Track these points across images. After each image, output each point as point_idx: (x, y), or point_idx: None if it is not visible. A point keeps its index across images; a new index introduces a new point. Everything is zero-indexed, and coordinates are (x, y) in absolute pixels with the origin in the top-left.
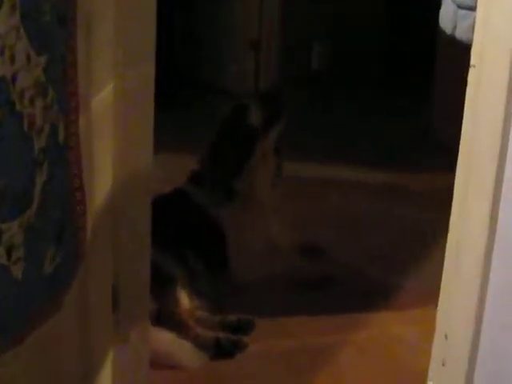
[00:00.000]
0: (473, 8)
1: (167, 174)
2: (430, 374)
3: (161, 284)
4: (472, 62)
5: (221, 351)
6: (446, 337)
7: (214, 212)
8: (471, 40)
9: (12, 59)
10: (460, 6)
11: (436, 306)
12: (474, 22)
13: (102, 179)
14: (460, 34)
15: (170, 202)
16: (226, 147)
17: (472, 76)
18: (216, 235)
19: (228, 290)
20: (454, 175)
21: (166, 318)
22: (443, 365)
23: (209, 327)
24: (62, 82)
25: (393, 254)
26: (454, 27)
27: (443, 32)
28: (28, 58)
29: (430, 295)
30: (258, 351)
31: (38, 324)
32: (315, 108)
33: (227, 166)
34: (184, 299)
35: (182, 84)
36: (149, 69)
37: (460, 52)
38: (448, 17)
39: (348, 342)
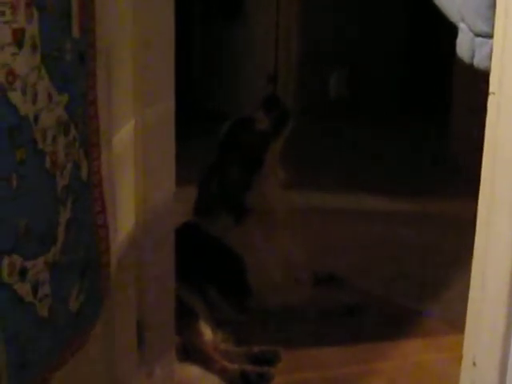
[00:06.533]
0: (490, 35)
1: (189, 207)
2: None
3: (182, 318)
4: (491, 89)
5: None
6: (474, 363)
7: (227, 239)
8: (489, 68)
9: (34, 98)
10: (477, 34)
11: (463, 332)
12: (491, 50)
13: (125, 215)
14: (478, 62)
15: (182, 235)
16: (233, 162)
17: (491, 103)
18: (233, 263)
19: (250, 320)
20: (475, 200)
21: (190, 352)
22: None
23: (234, 360)
24: (84, 120)
25: (416, 280)
26: (472, 55)
27: (461, 60)
28: (49, 97)
29: (457, 322)
30: (285, 383)
31: (63, 361)
32: (333, 136)
33: (236, 182)
34: (207, 332)
35: (200, 116)
36: (168, 104)
37: (476, 79)
38: (465, 45)
39: (375, 371)
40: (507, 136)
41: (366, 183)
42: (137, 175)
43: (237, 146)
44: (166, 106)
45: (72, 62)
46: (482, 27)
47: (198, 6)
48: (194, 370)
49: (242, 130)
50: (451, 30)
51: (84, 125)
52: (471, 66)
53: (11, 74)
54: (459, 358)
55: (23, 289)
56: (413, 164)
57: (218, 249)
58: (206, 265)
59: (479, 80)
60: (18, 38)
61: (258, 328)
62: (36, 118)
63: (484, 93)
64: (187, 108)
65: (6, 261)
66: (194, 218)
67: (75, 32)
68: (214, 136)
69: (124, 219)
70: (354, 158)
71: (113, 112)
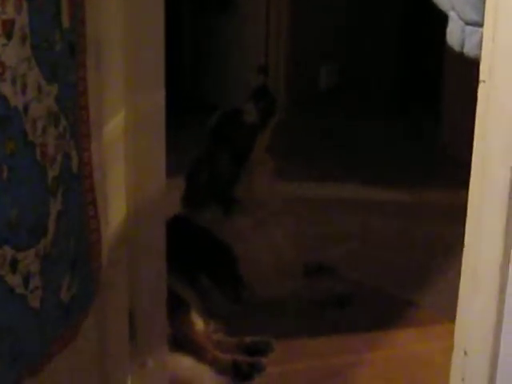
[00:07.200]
0: (480, 24)
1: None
2: None
3: (174, 309)
4: (481, 77)
5: (239, 374)
6: (465, 353)
7: (217, 230)
8: (479, 56)
9: (24, 89)
10: (467, 23)
11: (454, 321)
12: (481, 38)
13: (115, 206)
14: (468, 51)
15: (172, 227)
16: (222, 154)
17: (482, 91)
18: (224, 254)
19: (242, 310)
20: (466, 190)
21: (182, 342)
22: (463, 380)
23: (226, 350)
24: (74, 111)
25: (407, 270)
26: (462, 44)
27: (451, 48)
28: (39, 88)
29: (448, 311)
30: (277, 373)
31: (55, 352)
32: (324, 128)
33: (224, 174)
34: (199, 323)
35: (190, 108)
36: (159, 95)
37: (467, 67)
38: (455, 33)
39: (366, 361)
40: (497, 124)
41: (358, 175)
42: (127, 166)
43: (225, 138)
44: (157, 96)
45: (62, 52)
46: (472, 16)
47: (188, 1)
48: (186, 361)
49: (230, 122)
50: (443, 20)
51: (74, 115)
52: (461, 54)
53: (0, 65)
54: (450, 348)
55: (14, 280)
56: (404, 154)
57: (209, 240)
58: (197, 256)
59: (470, 68)
60: (7, 29)
61: (250, 318)
62: (26, 109)
63: (475, 81)
64: (177, 99)
65: None
66: (182, 209)
67: (65, 22)
68: (203, 127)
69: (115, 210)
70: (345, 149)
71: (103, 102)
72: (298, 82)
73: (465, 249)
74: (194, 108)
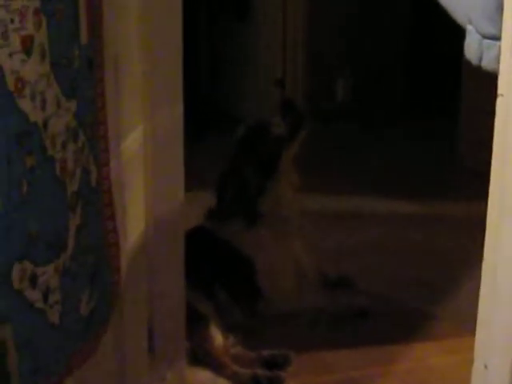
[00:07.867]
0: (498, 37)
1: (198, 210)
2: None
3: (193, 323)
4: (499, 91)
5: None
6: (485, 366)
7: (238, 243)
8: (497, 70)
9: (43, 105)
10: (485, 36)
11: (474, 334)
12: (499, 52)
13: (134, 220)
14: (486, 65)
15: (192, 239)
16: (248, 167)
17: (500, 105)
18: (244, 267)
19: (261, 324)
20: (484, 201)
21: (201, 356)
22: None
23: (245, 364)
24: (93, 126)
25: (427, 283)
26: (480, 57)
27: (468, 62)
28: (58, 104)
29: (468, 324)
30: None
31: (75, 366)
32: (341, 140)
33: (250, 187)
34: (218, 337)
35: (208, 121)
36: (177, 109)
37: (485, 81)
38: (473, 47)
39: (386, 374)
40: None
41: (374, 186)
42: (146, 179)
43: (252, 151)
44: (175, 110)
45: (80, 68)
46: (490, 29)
47: (205, 8)
48: (205, 375)
49: (257, 135)
50: (458, 33)
51: (93, 131)
52: (479, 68)
53: (20, 80)
54: (470, 361)
55: (33, 295)
56: (421, 166)
57: (229, 253)
58: (216, 268)
59: (488, 81)
60: (27, 45)
61: (269, 332)
62: (45, 125)
63: (493, 94)
64: (194, 108)
65: (16, 267)
66: (206, 222)
67: (83, 38)
68: (226, 140)
69: (133, 224)
70: (363, 161)
71: (121, 118)
72: (314, 94)
73: (484, 262)
74: (209, 113)
